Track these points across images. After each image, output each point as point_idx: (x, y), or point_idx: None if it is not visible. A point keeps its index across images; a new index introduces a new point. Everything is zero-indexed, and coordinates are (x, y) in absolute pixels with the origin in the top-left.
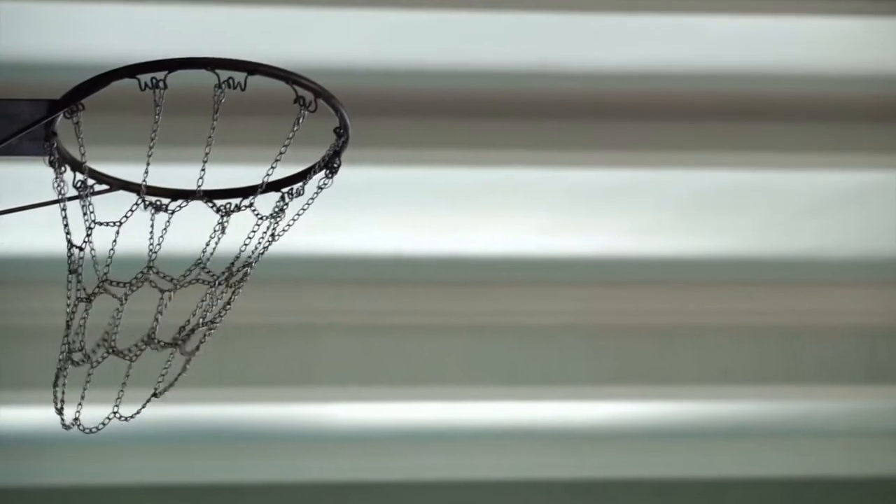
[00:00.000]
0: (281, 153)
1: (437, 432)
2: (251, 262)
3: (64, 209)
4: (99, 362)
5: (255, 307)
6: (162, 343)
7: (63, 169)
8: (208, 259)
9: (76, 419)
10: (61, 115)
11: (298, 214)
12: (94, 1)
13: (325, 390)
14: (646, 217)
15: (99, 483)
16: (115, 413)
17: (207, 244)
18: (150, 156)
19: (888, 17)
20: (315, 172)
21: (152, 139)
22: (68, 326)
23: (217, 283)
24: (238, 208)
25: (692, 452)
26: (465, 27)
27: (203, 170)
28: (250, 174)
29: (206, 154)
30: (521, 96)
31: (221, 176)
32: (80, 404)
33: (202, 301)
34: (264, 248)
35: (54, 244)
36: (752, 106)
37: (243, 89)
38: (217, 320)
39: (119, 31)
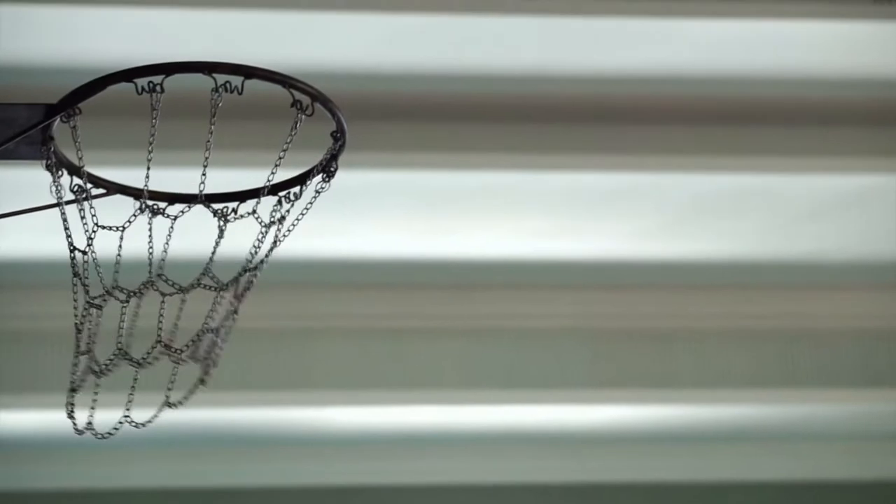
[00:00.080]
0: (280, 158)
1: (434, 436)
2: (256, 269)
3: (64, 213)
4: (111, 371)
5: (253, 311)
6: (179, 352)
7: (60, 173)
8: (209, 263)
9: (90, 423)
10: (58, 119)
11: (298, 219)
12: (91, 5)
13: (323, 394)
14: (645, 220)
15: (98, 487)
16: (127, 418)
17: (214, 251)
18: (149, 160)
19: (887, 20)
20: (313, 176)
21: (151, 143)
22: (79, 331)
23: (220, 289)
24: (236, 213)
25: (691, 456)
26: (464, 31)
27: (204, 174)
28: (247, 178)
29: (206, 159)
30: (520, 100)
31: (218, 179)
32: (92, 408)
33: (210, 309)
34: (267, 254)
35: (53, 248)
36: (752, 109)
37: (240, 93)
38: (225, 326)
39: (116, 35)
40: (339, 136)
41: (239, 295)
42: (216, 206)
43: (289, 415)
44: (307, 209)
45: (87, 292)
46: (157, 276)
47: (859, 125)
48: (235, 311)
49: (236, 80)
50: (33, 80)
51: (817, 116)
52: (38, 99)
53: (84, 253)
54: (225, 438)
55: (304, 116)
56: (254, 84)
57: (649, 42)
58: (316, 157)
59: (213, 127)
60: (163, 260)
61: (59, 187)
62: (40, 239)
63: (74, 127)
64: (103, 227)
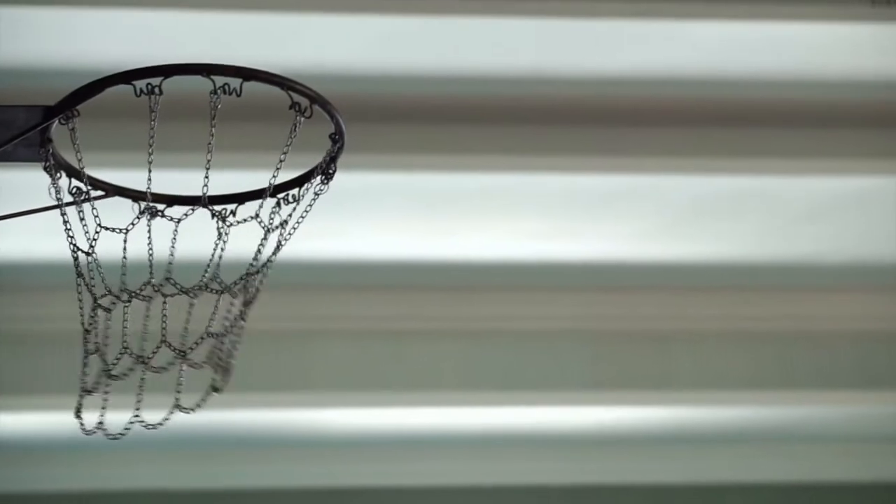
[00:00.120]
0: (281, 160)
1: (434, 437)
2: (260, 272)
3: (65, 214)
4: (127, 375)
5: (253, 313)
6: (199, 364)
7: (59, 175)
8: (209, 265)
9: (100, 424)
10: (57, 121)
11: (299, 221)
12: (89, 7)
13: (322, 395)
14: (644, 222)
15: (98, 489)
16: (137, 419)
17: (221, 255)
18: (150, 162)
19: (885, 22)
20: (312, 178)
21: (150, 145)
22: (87, 333)
23: (224, 291)
24: (234, 214)
25: (689, 457)
26: (463, 33)
27: (206, 177)
28: (246, 179)
29: (209, 161)
30: (518, 102)
31: (217, 181)
32: (103, 409)
33: (214, 314)
34: (270, 258)
35: (52, 249)
36: (750, 111)
37: (239, 95)
38: (233, 330)
39: (114, 37)
40: (337, 139)
41: (248, 300)
42: (216, 207)
43: (288, 416)
44: (307, 211)
45: (92, 294)
46: (164, 280)
47: (857, 127)
48: (243, 317)
49: (235, 83)
50: (32, 81)
51: (815, 118)
52: (36, 101)
53: (87, 254)
54: (225, 440)
55: (302, 119)
56: (252, 86)
57: (647, 44)
58: (315, 159)
59: (213, 129)
60: (170, 263)
61: (57, 189)
62: (38, 241)
63: (73, 129)
64: (107, 229)
